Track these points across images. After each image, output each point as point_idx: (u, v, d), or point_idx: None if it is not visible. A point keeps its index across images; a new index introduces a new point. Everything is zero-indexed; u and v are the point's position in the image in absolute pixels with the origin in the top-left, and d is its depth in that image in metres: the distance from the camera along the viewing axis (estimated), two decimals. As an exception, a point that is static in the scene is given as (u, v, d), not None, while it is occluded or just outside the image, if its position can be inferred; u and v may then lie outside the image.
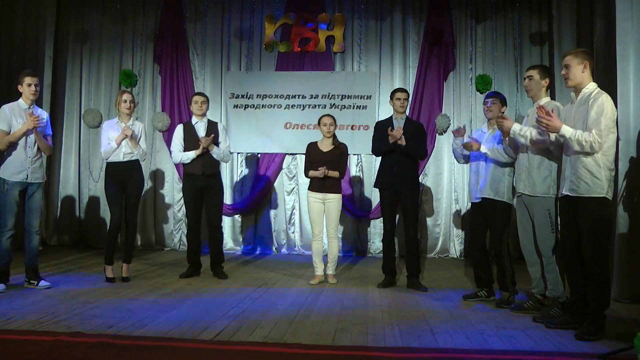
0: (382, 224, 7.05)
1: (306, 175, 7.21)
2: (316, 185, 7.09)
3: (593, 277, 4.58)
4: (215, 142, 7.21)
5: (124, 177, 6.82)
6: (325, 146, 7.14)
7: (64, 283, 6.61)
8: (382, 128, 6.89)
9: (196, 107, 7.23)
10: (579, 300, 4.77)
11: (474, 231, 6.26)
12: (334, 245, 7.15)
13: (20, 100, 6.32)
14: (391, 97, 7.00)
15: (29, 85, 6.27)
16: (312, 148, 7.19)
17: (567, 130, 4.65)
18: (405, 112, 6.97)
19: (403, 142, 6.60)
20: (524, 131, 5.20)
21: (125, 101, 6.85)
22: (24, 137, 6.23)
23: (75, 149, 10.30)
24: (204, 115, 7.31)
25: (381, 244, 9.23)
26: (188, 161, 7.14)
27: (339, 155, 7.10)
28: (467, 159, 6.31)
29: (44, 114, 6.49)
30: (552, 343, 4.43)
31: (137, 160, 6.92)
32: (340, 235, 9.58)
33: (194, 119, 7.30)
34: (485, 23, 9.82)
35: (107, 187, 6.88)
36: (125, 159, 6.80)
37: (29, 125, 6.17)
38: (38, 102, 6.87)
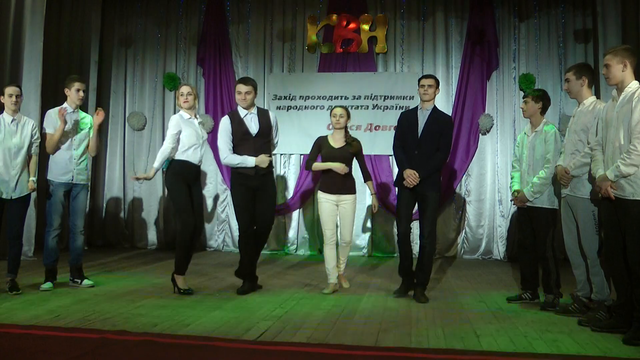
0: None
1: (307, 168, 6.59)
2: (328, 186, 6.37)
3: (639, 280, 4.49)
4: (267, 147, 6.32)
5: (192, 180, 6.25)
6: (337, 142, 6.40)
7: (109, 282, 6.71)
8: (404, 123, 6.22)
9: (239, 98, 6.18)
10: (626, 303, 4.66)
11: (522, 232, 6.16)
12: (347, 250, 6.58)
13: (66, 104, 6.37)
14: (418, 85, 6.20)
15: (78, 90, 6.34)
16: (322, 142, 6.46)
17: (612, 172, 4.56)
18: (431, 101, 6.07)
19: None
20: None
21: (189, 94, 6.25)
22: (70, 139, 6.29)
23: (120, 151, 10.49)
24: (250, 107, 6.23)
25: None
26: (244, 166, 6.15)
27: (352, 153, 6.39)
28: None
29: (88, 118, 6.53)
30: (598, 347, 4.34)
31: None
32: (381, 234, 9.55)
33: (242, 111, 6.23)
34: (529, 21, 9.71)
35: (176, 185, 6.12)
36: (199, 163, 6.33)
37: (61, 124, 6.11)
38: (84, 105, 6.98)
